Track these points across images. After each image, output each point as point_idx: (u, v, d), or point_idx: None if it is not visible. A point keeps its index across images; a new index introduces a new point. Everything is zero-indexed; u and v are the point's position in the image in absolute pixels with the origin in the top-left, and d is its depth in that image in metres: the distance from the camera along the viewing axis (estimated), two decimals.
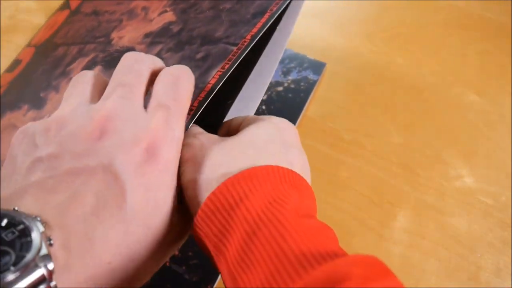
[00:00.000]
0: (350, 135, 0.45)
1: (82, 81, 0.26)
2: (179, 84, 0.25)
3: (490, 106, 0.48)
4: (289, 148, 0.26)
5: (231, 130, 0.30)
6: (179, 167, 0.25)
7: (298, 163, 0.25)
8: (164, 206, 0.23)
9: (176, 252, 0.37)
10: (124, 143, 0.22)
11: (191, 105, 0.27)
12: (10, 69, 0.42)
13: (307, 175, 0.25)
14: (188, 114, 0.26)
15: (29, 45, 0.44)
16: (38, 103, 0.36)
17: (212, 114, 0.30)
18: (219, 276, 0.36)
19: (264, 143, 0.25)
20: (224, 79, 0.28)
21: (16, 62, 0.42)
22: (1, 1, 0.57)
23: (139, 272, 0.22)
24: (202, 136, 0.26)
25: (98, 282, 0.20)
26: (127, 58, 0.26)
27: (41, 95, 0.36)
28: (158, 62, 0.26)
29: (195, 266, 0.36)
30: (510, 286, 0.37)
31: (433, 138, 0.45)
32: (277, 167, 0.23)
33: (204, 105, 0.27)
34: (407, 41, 0.53)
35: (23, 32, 0.53)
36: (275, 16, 0.31)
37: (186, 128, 0.26)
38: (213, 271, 0.36)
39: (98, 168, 0.21)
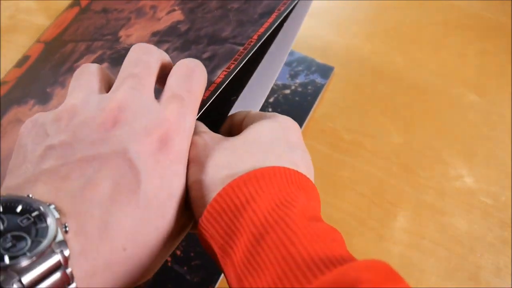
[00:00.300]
0: (350, 135, 0.45)
1: (88, 72, 0.26)
2: (193, 76, 0.25)
3: (490, 106, 0.48)
4: (293, 148, 0.25)
5: (234, 125, 0.29)
6: None
7: (303, 163, 0.25)
8: (177, 195, 0.23)
9: (178, 252, 0.37)
10: (137, 132, 0.22)
11: None
12: (19, 64, 0.42)
13: (311, 176, 0.25)
14: None
15: (38, 41, 0.44)
16: (44, 98, 0.36)
17: (216, 110, 0.29)
18: (221, 277, 0.36)
19: (269, 143, 0.25)
20: (229, 78, 0.28)
21: (25, 58, 0.43)
22: (1, 1, 0.57)
23: (152, 260, 0.22)
24: (206, 135, 0.26)
25: (114, 269, 0.21)
26: (136, 50, 0.26)
27: (48, 90, 0.36)
28: (165, 56, 0.27)
29: (197, 267, 0.36)
30: (510, 286, 0.37)
31: (433, 138, 0.45)
32: (283, 168, 0.23)
33: (208, 104, 0.27)
34: (407, 41, 0.53)
35: (23, 32, 0.53)
36: (283, 16, 0.31)
37: None
38: (214, 272, 0.36)
39: (112, 155, 0.21)
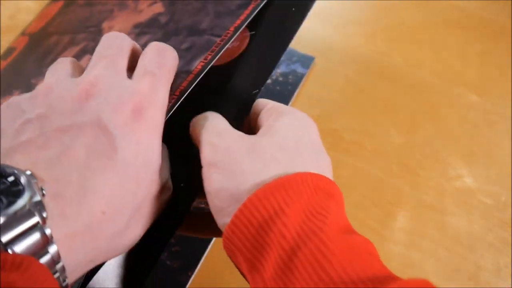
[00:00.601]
0: (350, 135, 0.45)
1: (62, 62, 0.27)
2: (164, 54, 0.26)
3: (490, 106, 0.48)
4: (317, 151, 0.25)
5: (250, 117, 0.29)
6: (203, 170, 0.24)
7: (325, 166, 0.24)
8: (153, 164, 0.23)
9: None
10: (111, 103, 0.23)
11: (173, 93, 0.27)
12: (4, 56, 0.43)
13: (332, 178, 0.25)
14: (169, 102, 0.27)
15: (23, 33, 0.45)
16: (28, 89, 0.37)
17: (236, 106, 0.29)
18: (200, 263, 0.36)
19: (294, 146, 0.24)
20: (207, 68, 0.29)
21: (11, 50, 0.43)
22: (1, 1, 0.57)
23: (132, 227, 0.23)
24: (227, 135, 0.25)
25: (94, 233, 0.21)
26: (109, 36, 0.27)
27: (32, 81, 0.37)
28: (136, 44, 0.27)
29: (177, 253, 0.37)
30: (510, 286, 0.37)
31: (433, 138, 0.45)
32: (310, 174, 0.22)
33: (187, 93, 0.27)
34: (407, 41, 0.53)
35: None
36: (259, 7, 0.31)
37: (167, 114, 0.26)
38: (194, 258, 0.37)
39: (88, 124, 0.22)
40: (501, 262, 0.38)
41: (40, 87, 0.24)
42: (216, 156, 0.24)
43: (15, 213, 0.18)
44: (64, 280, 0.20)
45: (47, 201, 0.19)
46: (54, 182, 0.20)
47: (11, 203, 0.18)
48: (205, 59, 0.29)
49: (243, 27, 0.30)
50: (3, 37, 0.53)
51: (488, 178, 0.43)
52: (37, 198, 0.19)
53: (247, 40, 0.32)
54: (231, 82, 0.31)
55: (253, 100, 0.30)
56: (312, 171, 0.23)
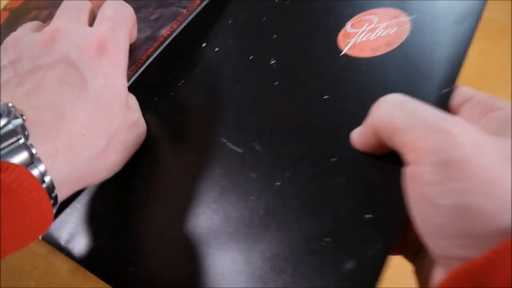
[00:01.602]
0: None
1: (28, 23, 0.29)
2: (120, 7, 0.29)
3: None
4: None
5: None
6: (421, 170, 0.18)
7: None
8: (121, 95, 0.26)
9: None
10: (76, 43, 0.26)
11: (139, 58, 0.30)
12: None
13: None
14: (136, 66, 0.30)
15: (4, 9, 0.48)
16: None
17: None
18: None
19: None
20: (173, 36, 0.32)
21: None
22: (1, 1, 0.57)
23: (111, 154, 0.25)
24: (460, 124, 0.18)
25: (76, 152, 0.23)
26: (67, 0, 0.29)
27: None
28: (95, 8, 0.30)
29: None
30: None
31: None
32: None
33: (151, 59, 0.30)
34: None
35: None
36: None
37: (129, 80, 0.29)
38: None
39: (56, 62, 0.25)
40: None
41: (8, 39, 0.27)
42: (456, 153, 0.17)
43: None
44: (52, 191, 0.22)
45: (28, 126, 0.22)
46: (31, 110, 0.23)
47: None
48: (171, 28, 0.32)
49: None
50: None
51: None
52: (18, 121, 0.21)
53: (406, 26, 0.28)
54: (404, 78, 0.26)
55: (445, 101, 0.25)
56: None
